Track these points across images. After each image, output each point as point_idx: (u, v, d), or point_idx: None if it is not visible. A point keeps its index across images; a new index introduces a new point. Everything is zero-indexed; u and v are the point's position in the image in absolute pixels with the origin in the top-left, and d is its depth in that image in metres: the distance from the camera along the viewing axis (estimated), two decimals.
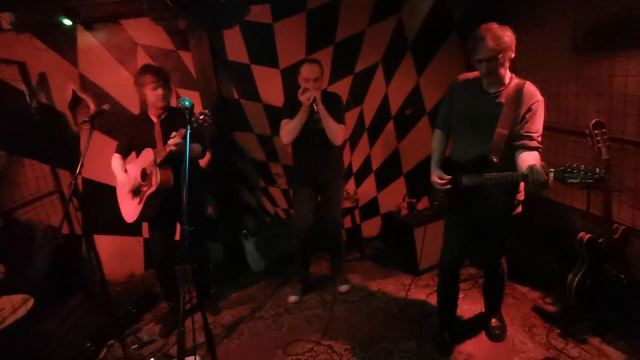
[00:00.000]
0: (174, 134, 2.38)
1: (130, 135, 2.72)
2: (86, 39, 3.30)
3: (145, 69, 2.60)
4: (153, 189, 2.48)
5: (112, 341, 2.72)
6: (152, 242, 2.78)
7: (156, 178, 2.45)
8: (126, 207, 2.65)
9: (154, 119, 2.68)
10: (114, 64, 3.36)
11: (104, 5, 3.12)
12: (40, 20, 3.03)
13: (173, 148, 2.35)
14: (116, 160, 2.72)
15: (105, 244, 3.66)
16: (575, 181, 1.63)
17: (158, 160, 2.43)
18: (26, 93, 3.16)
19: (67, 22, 3.03)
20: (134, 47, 3.38)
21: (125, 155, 2.75)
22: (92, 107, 3.38)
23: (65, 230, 3.42)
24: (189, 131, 1.68)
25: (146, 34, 3.36)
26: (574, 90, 2.80)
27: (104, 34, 3.32)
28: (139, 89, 2.61)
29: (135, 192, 2.62)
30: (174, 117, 2.68)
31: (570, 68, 2.80)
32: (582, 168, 1.62)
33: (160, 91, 2.57)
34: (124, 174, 2.68)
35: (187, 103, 1.71)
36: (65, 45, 3.28)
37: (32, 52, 3.20)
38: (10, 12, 2.98)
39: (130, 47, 3.38)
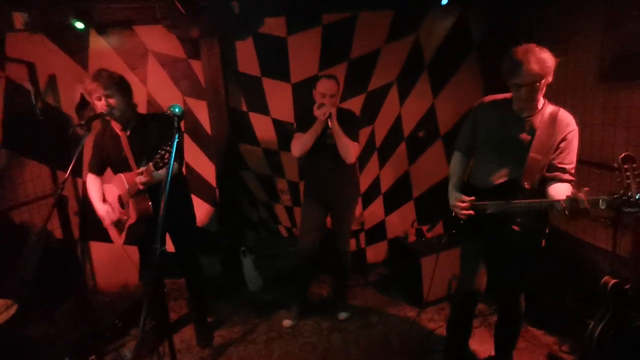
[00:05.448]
0: (141, 169, 2.11)
1: (99, 149, 2.46)
2: (98, 43, 3.29)
3: (95, 76, 2.23)
4: (132, 221, 2.31)
5: (93, 356, 2.57)
6: (142, 261, 2.63)
7: (133, 210, 2.26)
8: (111, 231, 2.49)
9: (119, 132, 2.38)
10: (124, 69, 3.31)
11: (118, 10, 3.12)
12: (54, 22, 3.03)
13: (141, 187, 2.16)
14: (92, 183, 2.47)
15: (101, 251, 3.57)
16: (633, 210, 1.48)
17: (131, 193, 2.23)
18: (32, 93, 3.13)
19: (80, 25, 3.02)
20: (145, 53, 3.35)
21: (99, 172, 2.51)
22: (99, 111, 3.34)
23: (59, 234, 3.33)
24: (176, 140, 1.56)
25: (158, 41, 3.32)
26: (600, 119, 2.62)
27: (116, 38, 3.30)
28: (89, 99, 2.31)
29: (117, 224, 2.43)
30: (146, 127, 2.37)
31: (597, 96, 2.63)
32: (638, 197, 1.46)
33: (103, 102, 2.22)
34: (102, 205, 2.42)
35: (177, 110, 1.59)
36: (77, 48, 3.27)
37: (43, 53, 3.19)
38: (25, 13, 2.98)
39: (141, 53, 3.35)
